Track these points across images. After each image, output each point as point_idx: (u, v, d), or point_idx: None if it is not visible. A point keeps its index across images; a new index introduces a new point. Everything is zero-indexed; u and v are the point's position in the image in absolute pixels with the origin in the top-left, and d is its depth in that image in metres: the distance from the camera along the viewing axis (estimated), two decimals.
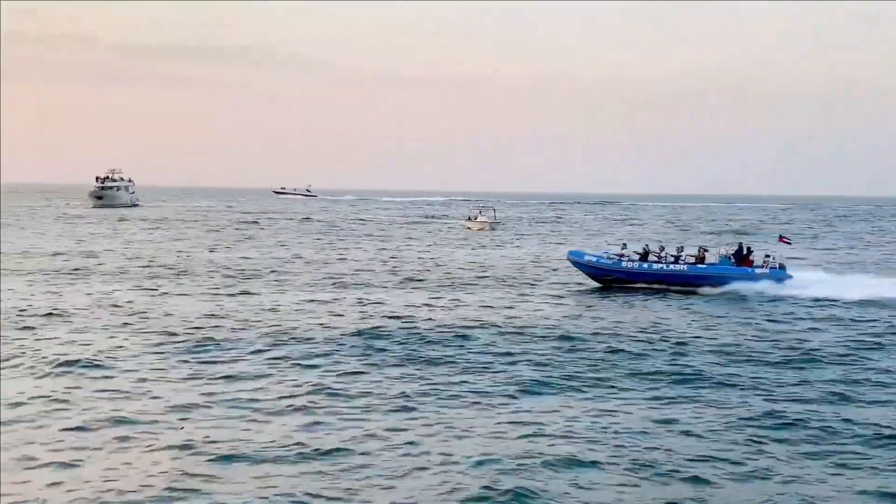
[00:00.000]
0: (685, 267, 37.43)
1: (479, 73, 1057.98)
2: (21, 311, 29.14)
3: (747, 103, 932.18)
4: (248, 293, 34.96)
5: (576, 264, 40.36)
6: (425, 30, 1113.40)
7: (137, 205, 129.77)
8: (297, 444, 15.57)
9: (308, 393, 18.97)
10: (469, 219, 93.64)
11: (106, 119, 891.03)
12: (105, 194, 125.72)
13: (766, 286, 35.71)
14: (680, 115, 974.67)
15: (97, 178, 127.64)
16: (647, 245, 40.20)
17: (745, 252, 37.47)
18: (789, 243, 41.33)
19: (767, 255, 37.84)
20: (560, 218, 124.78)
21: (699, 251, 38.59)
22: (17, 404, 17.71)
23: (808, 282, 36.05)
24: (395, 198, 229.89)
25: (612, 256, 39.60)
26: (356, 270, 44.63)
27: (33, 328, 26.40)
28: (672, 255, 38.43)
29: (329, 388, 19.39)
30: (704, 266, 37.23)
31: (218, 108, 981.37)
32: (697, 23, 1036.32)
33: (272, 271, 43.72)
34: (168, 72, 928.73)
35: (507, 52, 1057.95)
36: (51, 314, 28.65)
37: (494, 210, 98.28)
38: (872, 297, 33.68)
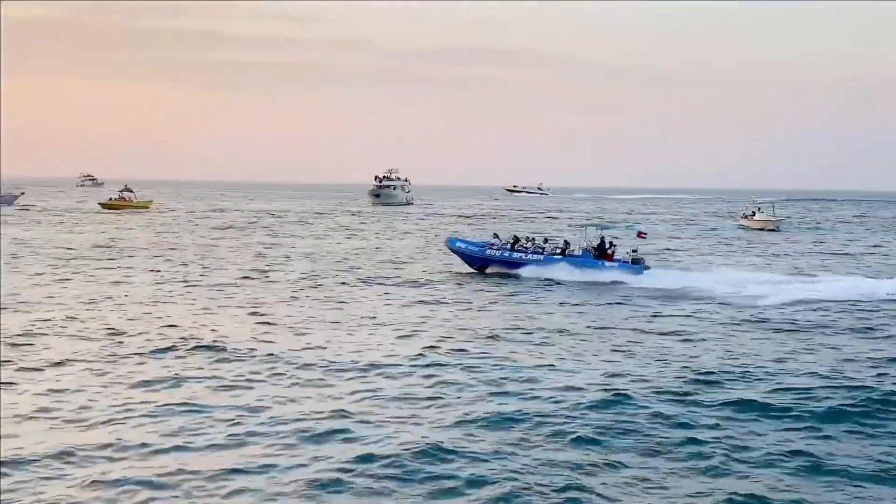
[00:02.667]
0: (542, 256, 39.96)
1: (751, 71, 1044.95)
2: None
3: None
4: None
5: (451, 250, 43.25)
6: (691, 27, 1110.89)
7: (412, 203, 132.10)
8: None
9: None
10: (744, 216, 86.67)
11: (379, 122, 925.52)
12: (383, 192, 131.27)
13: (615, 275, 37.86)
14: None
15: (376, 178, 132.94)
16: (515, 234, 43.77)
17: (606, 246, 39.83)
18: (644, 237, 43.96)
19: (634, 250, 39.96)
20: (865, 216, 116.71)
21: (563, 243, 41.46)
22: None
23: (659, 275, 38.35)
24: (627, 195, 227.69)
25: (481, 244, 42.63)
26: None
27: None
28: (540, 246, 41.07)
29: None
30: (560, 256, 39.79)
31: (488, 108, 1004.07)
32: None
33: None
34: (440, 74, 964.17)
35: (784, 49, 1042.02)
36: None
37: (773, 205, 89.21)
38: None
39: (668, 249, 57.53)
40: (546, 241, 42.48)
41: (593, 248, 40.13)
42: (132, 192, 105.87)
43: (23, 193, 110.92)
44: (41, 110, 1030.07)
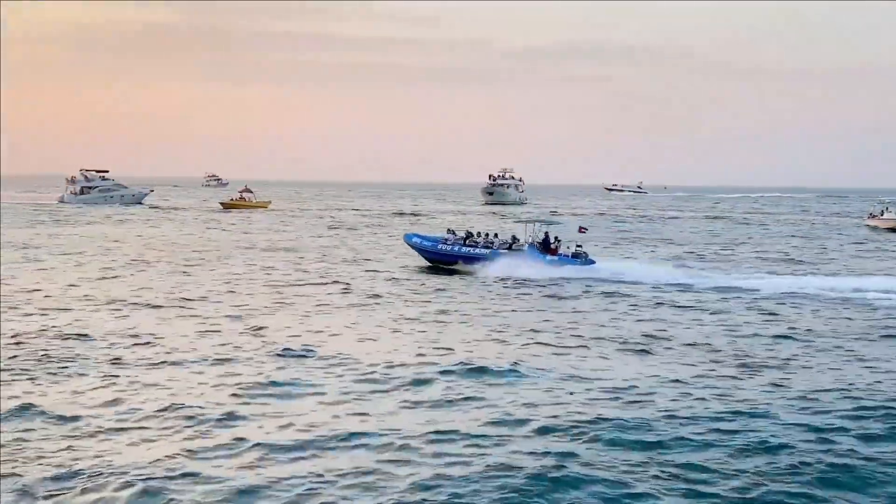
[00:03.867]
0: (488, 251, 41.47)
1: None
2: None
3: None
4: None
5: (408, 245, 45.87)
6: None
7: (525, 202, 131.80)
8: None
9: None
10: (872, 216, 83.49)
11: (495, 120, 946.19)
12: (496, 191, 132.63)
13: (558, 270, 39.12)
14: None
15: (490, 176, 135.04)
16: (469, 230, 46.07)
17: (550, 241, 41.69)
18: (585, 231, 45.46)
19: (579, 245, 41.48)
20: None
21: (512, 238, 42.78)
22: None
23: (601, 268, 39.86)
24: (726, 194, 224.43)
25: (434, 240, 44.36)
26: None
27: None
28: (490, 241, 42.63)
29: None
30: (506, 251, 41.17)
31: (598, 106, 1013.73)
32: None
33: None
34: (555, 72, 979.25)
35: None
36: None
37: None
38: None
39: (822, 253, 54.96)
40: (496, 235, 43.73)
41: (538, 242, 41.60)
42: (252, 192, 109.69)
43: (152, 191, 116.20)
44: (164, 113, 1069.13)
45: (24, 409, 16.15)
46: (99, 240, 56.64)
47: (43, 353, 20.95)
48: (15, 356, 20.50)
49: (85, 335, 23.23)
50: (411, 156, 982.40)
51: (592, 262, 40.26)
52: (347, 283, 35.68)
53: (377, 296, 32.36)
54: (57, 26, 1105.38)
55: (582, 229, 45.05)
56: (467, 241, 42.76)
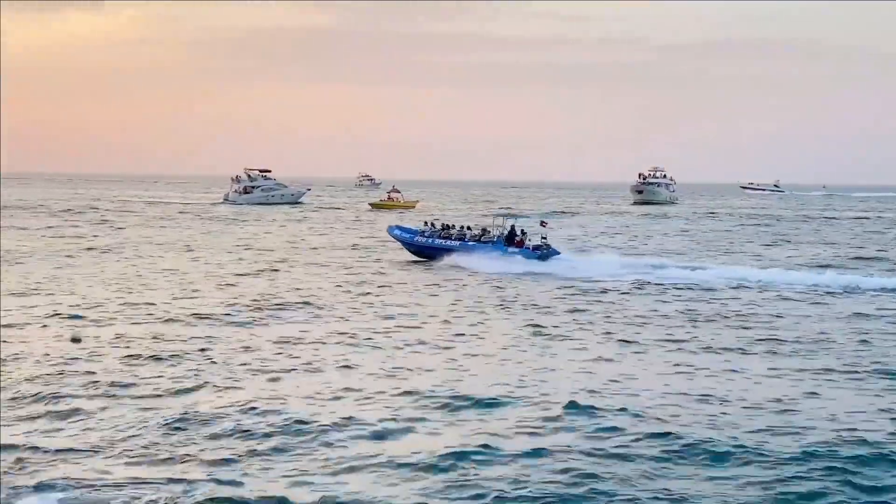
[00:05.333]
0: (458, 243, 44.20)
1: None
2: None
3: None
4: None
5: (391, 237, 48.46)
6: None
7: (676, 202, 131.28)
8: None
9: None
10: None
11: (647, 119, 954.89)
12: (646, 189, 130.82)
13: (510, 261, 41.31)
14: None
15: (640, 175, 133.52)
16: (444, 223, 48.06)
17: (516, 234, 43.90)
18: (545, 225, 46.90)
19: (543, 237, 43.78)
20: None
21: (481, 231, 45.22)
22: None
23: (563, 259, 42.50)
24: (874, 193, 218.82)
25: (413, 232, 47.03)
26: None
27: None
28: (462, 233, 45.28)
29: None
30: (473, 243, 43.79)
31: (747, 103, 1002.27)
32: None
33: None
34: (708, 69, 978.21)
35: None
36: None
37: None
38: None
39: None
40: (469, 228, 46.20)
41: (504, 235, 44.01)
42: (399, 192, 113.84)
43: (308, 190, 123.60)
44: (317, 115, 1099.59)
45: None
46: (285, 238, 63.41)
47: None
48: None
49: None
50: (560, 155, 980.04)
51: (556, 253, 42.86)
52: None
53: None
54: (220, 32, 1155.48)
55: (543, 223, 46.90)
56: (442, 234, 45.61)
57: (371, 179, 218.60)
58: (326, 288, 35.05)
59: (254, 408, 17.08)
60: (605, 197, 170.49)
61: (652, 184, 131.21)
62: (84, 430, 15.92)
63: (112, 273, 39.04)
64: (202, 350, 22.50)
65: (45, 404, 17.33)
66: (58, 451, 14.62)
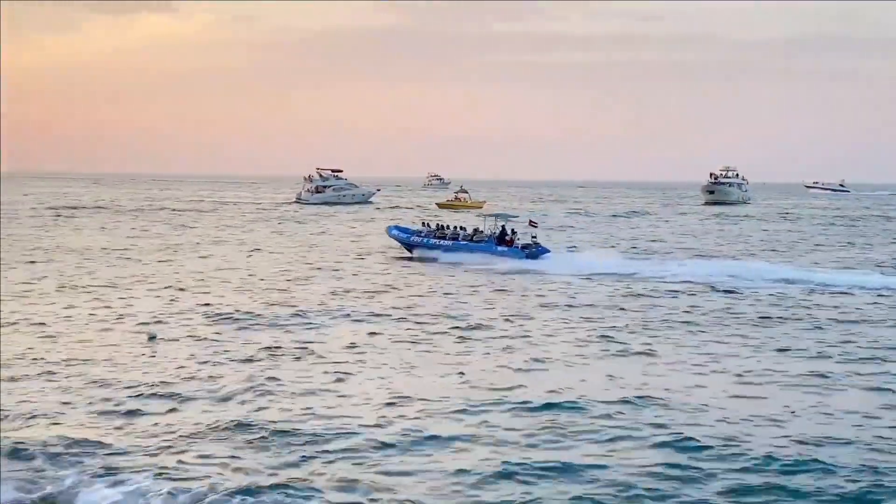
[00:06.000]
0: (451, 243, 46.22)
1: None
2: None
3: None
4: None
5: (389, 236, 50.67)
6: None
7: (748, 202, 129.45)
8: None
9: None
10: None
11: (720, 116, 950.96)
12: (717, 190, 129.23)
13: (498, 259, 43.42)
14: None
15: (711, 175, 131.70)
16: (439, 223, 50.53)
17: (506, 234, 45.81)
18: (536, 226, 48.27)
19: (534, 237, 45.76)
20: None
21: (473, 231, 47.21)
22: None
23: (551, 257, 44.13)
24: None
25: (409, 231, 49.55)
26: None
27: None
28: (456, 233, 47.22)
29: None
30: (465, 242, 46.03)
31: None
32: None
33: None
34: (788, 66, 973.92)
35: None
36: None
37: None
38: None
39: None
40: (463, 228, 48.09)
41: (496, 235, 45.83)
42: (467, 192, 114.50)
43: (378, 190, 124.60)
44: (387, 115, 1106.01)
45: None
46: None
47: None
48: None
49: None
50: (630, 153, 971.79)
51: (546, 251, 44.73)
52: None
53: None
54: (291, 33, 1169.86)
55: (532, 223, 48.32)
56: (437, 233, 47.72)
57: (440, 179, 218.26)
58: (385, 288, 35.38)
59: (322, 413, 17.28)
60: (676, 197, 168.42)
61: (723, 184, 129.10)
62: (152, 425, 16.24)
63: (187, 271, 39.89)
64: (269, 349, 22.82)
65: (116, 404, 17.66)
66: (127, 447, 14.94)
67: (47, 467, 14.03)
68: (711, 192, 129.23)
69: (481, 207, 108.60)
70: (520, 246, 44.80)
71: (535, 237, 45.78)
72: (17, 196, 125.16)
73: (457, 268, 41.92)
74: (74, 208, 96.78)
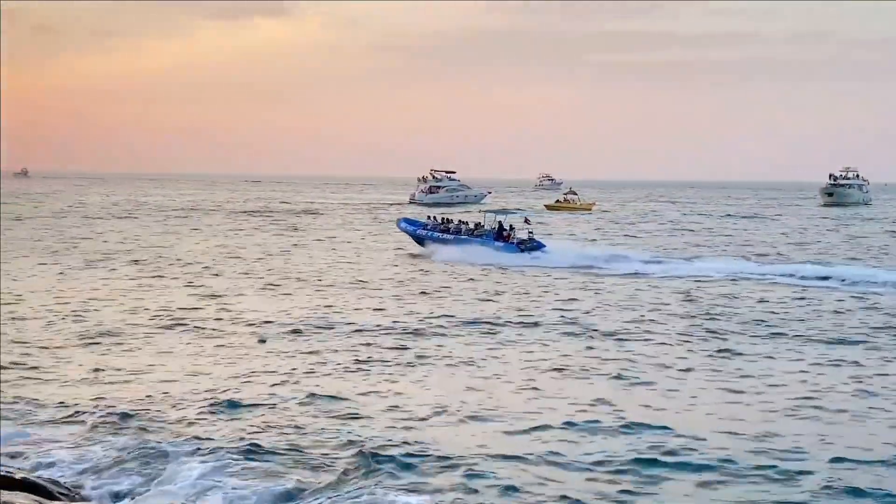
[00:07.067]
0: (452, 236, 48.84)
1: None
2: None
3: None
4: None
5: (400, 230, 53.68)
6: None
7: (869, 203, 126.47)
8: None
9: None
10: None
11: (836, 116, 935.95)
12: (837, 192, 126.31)
13: (493, 253, 46.09)
14: None
15: (831, 176, 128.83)
16: (444, 217, 53.09)
17: (504, 229, 48.55)
18: (529, 223, 49.95)
19: (530, 232, 48.15)
20: None
21: (474, 226, 49.74)
22: None
23: (548, 251, 46.45)
24: None
25: (418, 225, 52.14)
26: None
27: None
28: (458, 227, 49.92)
29: None
30: (466, 237, 48.58)
31: None
32: None
33: None
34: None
35: None
36: None
37: None
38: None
39: None
40: (465, 223, 50.68)
41: (494, 230, 48.46)
42: (576, 194, 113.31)
43: (490, 192, 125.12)
44: (498, 117, 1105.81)
45: None
46: None
47: None
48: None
49: None
50: (743, 152, 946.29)
51: (542, 246, 46.96)
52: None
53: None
54: (401, 37, 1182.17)
55: (527, 220, 50.27)
56: (441, 227, 50.58)
57: (551, 180, 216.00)
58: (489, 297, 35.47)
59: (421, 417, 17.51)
60: (793, 199, 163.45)
61: (843, 185, 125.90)
62: (248, 426, 16.47)
63: (295, 270, 40.91)
64: (366, 359, 22.79)
65: (216, 405, 17.89)
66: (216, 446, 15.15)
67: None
68: (830, 195, 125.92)
69: (590, 210, 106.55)
70: (516, 241, 47.18)
71: (531, 233, 48.13)
72: (146, 197, 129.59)
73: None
74: (192, 210, 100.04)
